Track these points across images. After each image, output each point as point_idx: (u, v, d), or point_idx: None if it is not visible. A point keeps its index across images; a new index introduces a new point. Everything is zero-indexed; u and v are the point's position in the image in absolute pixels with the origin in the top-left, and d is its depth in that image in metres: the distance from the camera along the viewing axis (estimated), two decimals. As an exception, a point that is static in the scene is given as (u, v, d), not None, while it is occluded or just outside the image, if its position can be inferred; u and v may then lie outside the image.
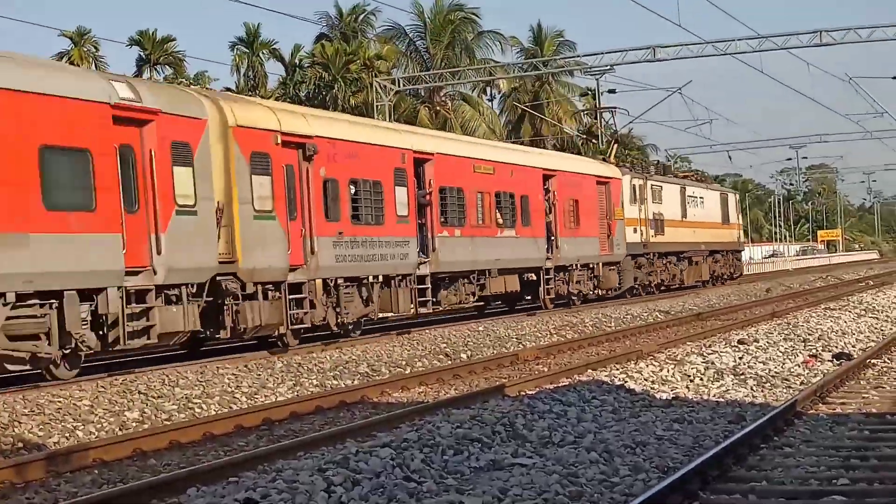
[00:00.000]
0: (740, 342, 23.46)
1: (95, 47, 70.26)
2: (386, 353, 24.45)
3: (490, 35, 77.54)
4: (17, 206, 17.98)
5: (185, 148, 21.72)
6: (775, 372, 19.75)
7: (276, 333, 24.79)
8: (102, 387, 18.36)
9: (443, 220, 31.50)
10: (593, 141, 73.70)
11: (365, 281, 27.65)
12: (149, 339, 20.69)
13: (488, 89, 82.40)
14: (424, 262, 30.31)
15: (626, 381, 18.12)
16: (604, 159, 47.72)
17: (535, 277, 37.46)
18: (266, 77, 73.65)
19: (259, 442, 15.26)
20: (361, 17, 74.27)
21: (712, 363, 20.18)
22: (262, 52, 73.66)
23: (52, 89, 18.93)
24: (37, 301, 18.18)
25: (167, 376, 19.62)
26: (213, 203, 22.33)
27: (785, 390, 17.76)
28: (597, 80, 56.18)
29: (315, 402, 18.07)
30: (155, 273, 20.63)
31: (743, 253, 71.02)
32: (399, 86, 61.06)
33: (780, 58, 74.31)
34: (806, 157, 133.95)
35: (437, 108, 72.54)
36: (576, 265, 39.97)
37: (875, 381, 18.57)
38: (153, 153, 20.81)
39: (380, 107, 55.33)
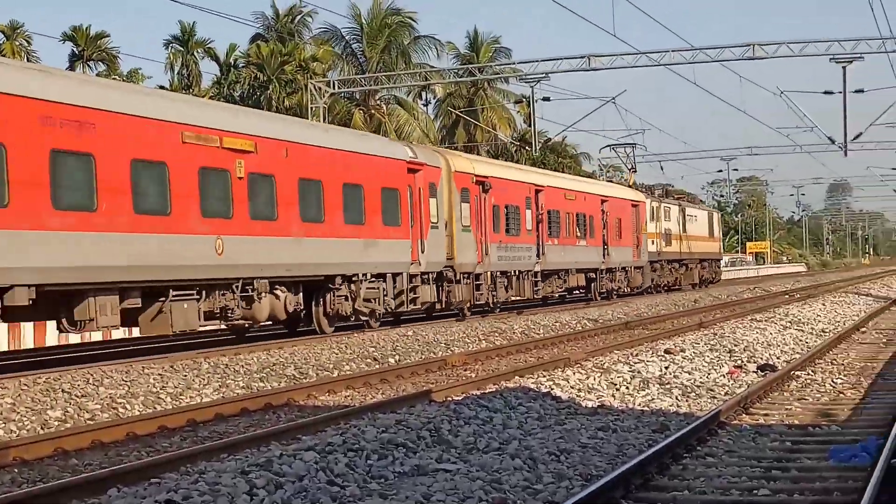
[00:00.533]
0: (667, 352, 23.64)
1: (28, 41, 69.56)
2: (314, 356, 24.37)
3: (426, 40, 77.57)
4: (377, 225, 31.05)
5: (434, 186, 34.54)
6: (700, 382, 19.90)
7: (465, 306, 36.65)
8: (25, 385, 18.17)
9: (549, 232, 43.99)
10: (527, 148, 74.02)
11: (509, 274, 40.26)
12: (415, 305, 33.77)
13: (423, 94, 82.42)
14: (538, 262, 42.81)
15: (552, 389, 18.19)
16: (630, 186, 61.46)
17: (593, 276, 50.10)
18: (200, 76, 73.32)
19: (182, 443, 15.14)
20: (298, 18, 74.07)
21: (638, 372, 20.32)
22: (197, 51, 73.29)
23: (387, 153, 32.59)
24: (374, 279, 30.76)
25: (91, 375, 19.45)
26: (443, 221, 35.00)
27: (709, 400, 17.90)
28: (532, 87, 56.19)
29: (241, 403, 17.97)
30: (420, 265, 33.20)
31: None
32: (334, 88, 60.92)
33: (713, 70, 75.01)
34: (737, 169, 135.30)
35: (372, 111, 72.45)
36: (618, 268, 53.00)
37: (798, 392, 18.76)
38: (421, 190, 33.56)
39: (314, 108, 55.15)
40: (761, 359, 23.75)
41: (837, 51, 50.42)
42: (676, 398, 18.09)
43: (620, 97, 63.71)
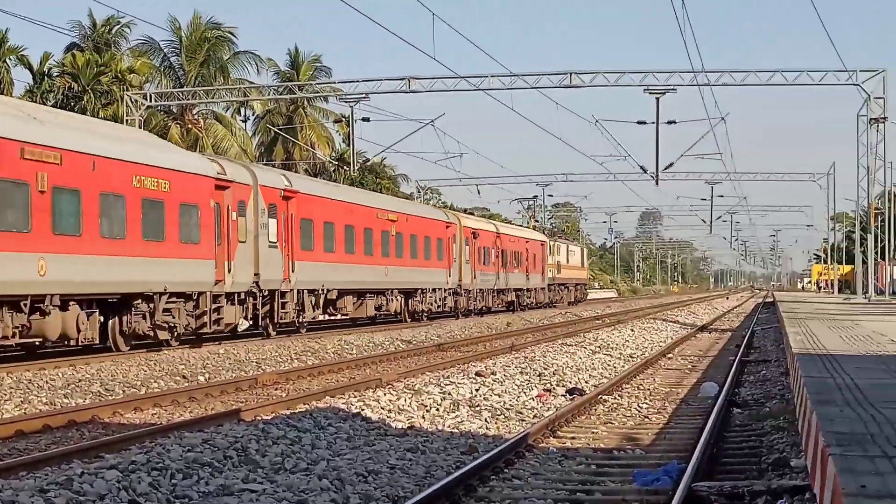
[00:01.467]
0: (478, 374, 23.76)
1: None
2: (121, 373, 23.89)
3: (246, 55, 76.91)
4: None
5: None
6: (510, 405, 20.06)
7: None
8: None
9: (482, 263, 61.58)
10: (345, 168, 73.89)
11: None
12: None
13: (242, 110, 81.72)
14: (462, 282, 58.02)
15: (363, 409, 18.12)
16: (542, 230, 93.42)
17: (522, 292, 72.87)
18: (12, 84, 71.33)
19: (-21, 460, 14.64)
20: (115, 29, 72.64)
21: (449, 394, 20.37)
22: (9, 58, 71.31)
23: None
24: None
25: None
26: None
27: (518, 423, 18.04)
28: (351, 107, 56.16)
29: (43, 420, 17.44)
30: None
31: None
32: (151, 101, 60.01)
33: (531, 96, 76.25)
34: (552, 195, 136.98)
35: (189, 125, 71.54)
36: (535, 289, 76.38)
37: (605, 416, 19.04)
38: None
39: (129, 121, 54.22)
40: (570, 383, 24.05)
41: (652, 82, 51.60)
42: (486, 420, 18.19)
43: (439, 120, 64.16)
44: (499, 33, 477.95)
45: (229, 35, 75.66)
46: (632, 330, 44.73)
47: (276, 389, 23.13)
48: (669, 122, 57.88)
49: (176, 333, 30.57)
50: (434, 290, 52.98)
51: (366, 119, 59.38)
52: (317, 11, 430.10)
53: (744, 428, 17.31)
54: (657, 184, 62.05)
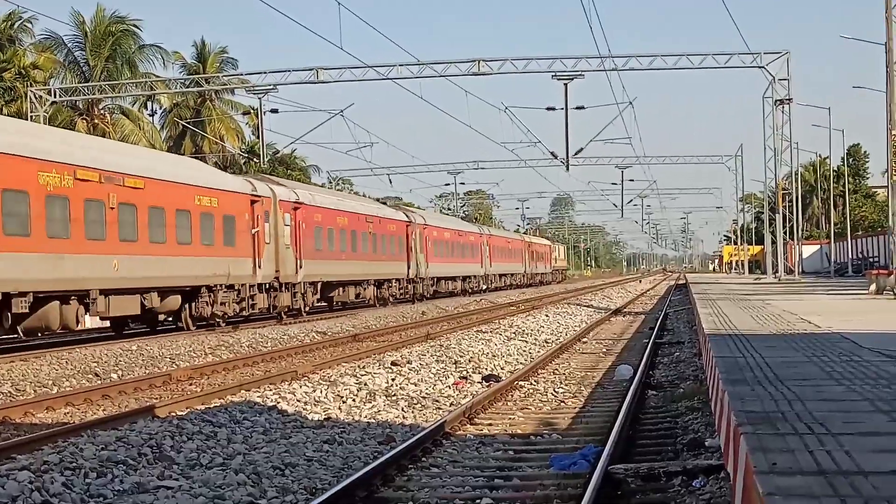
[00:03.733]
0: (394, 364, 23.75)
1: None
2: (32, 373, 23.57)
3: (152, 49, 76.06)
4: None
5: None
6: (426, 393, 20.08)
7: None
8: None
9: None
10: (255, 160, 73.52)
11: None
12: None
13: (149, 104, 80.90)
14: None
15: (278, 402, 18.05)
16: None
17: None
18: None
19: None
20: (17, 24, 71.50)
21: (365, 384, 20.35)
22: None
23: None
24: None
25: None
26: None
27: (435, 411, 18.06)
28: (260, 98, 55.89)
29: (-48, 423, 17.18)
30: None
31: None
32: (56, 97, 59.26)
33: (440, 84, 76.47)
34: (464, 183, 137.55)
35: (96, 121, 70.71)
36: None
37: (521, 402, 19.12)
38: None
39: (34, 117, 53.50)
40: (486, 370, 24.13)
41: (559, 68, 51.84)
42: (403, 410, 18.19)
43: (349, 110, 64.31)
44: (406, 22, 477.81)
45: (134, 28, 74.79)
46: (546, 315, 44.94)
47: (190, 385, 22.95)
48: (578, 108, 58.21)
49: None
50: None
51: (274, 111, 59.16)
52: (223, 3, 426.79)
53: (658, 409, 17.47)
54: (568, 169, 62.41)
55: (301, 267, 44.96)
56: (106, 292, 30.89)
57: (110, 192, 31.15)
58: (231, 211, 38.73)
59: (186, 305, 36.38)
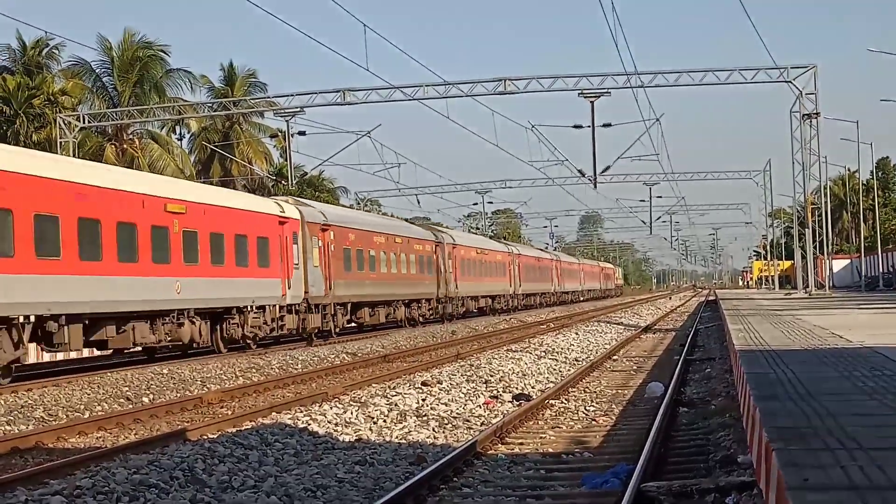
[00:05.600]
0: (424, 384, 23.74)
1: None
2: (64, 398, 23.64)
3: (179, 73, 76.50)
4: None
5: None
6: (457, 413, 20.05)
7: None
8: None
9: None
10: (283, 182, 73.71)
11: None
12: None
13: (177, 128, 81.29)
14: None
15: (309, 424, 18.06)
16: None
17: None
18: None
19: (-78, 492, 14.43)
20: (45, 50, 71.94)
21: (396, 405, 20.34)
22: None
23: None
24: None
25: None
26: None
27: (466, 431, 18.03)
28: (287, 121, 56.08)
29: (-15, 448, 17.23)
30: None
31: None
32: (84, 122, 59.59)
33: (467, 104, 76.72)
34: (491, 202, 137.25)
35: (125, 146, 71.07)
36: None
37: (552, 421, 19.08)
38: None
39: (63, 143, 53.80)
40: (517, 389, 24.10)
41: (585, 86, 51.92)
42: (433, 430, 18.17)
43: (376, 131, 64.45)
44: (432, 42, 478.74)
45: (162, 53, 75.28)
46: (576, 333, 44.88)
47: (221, 408, 22.99)
48: (605, 125, 58.25)
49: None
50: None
51: (302, 133, 59.47)
52: (249, 27, 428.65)
53: (690, 426, 17.41)
54: (595, 187, 62.49)
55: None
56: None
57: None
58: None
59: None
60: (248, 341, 38.11)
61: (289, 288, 40.78)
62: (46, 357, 37.94)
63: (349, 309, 48.36)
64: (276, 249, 40.14)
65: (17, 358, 26.94)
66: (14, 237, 26.15)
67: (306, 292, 42.44)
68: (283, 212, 41.76)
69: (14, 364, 26.94)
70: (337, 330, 46.41)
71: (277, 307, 40.18)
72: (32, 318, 26.97)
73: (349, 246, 48.27)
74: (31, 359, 30.13)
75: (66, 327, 27.96)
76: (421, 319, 60.15)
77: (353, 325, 51.18)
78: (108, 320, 30.38)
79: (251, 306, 37.93)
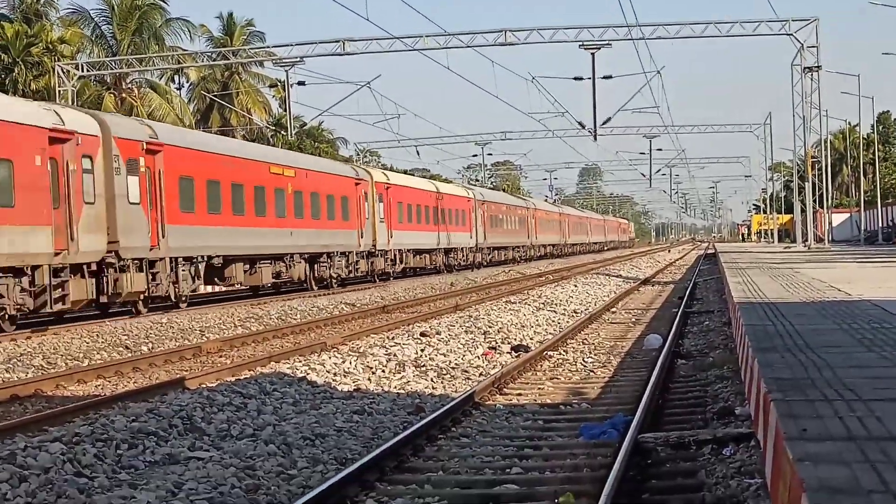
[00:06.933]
0: (423, 334, 23.78)
1: None
2: (63, 346, 23.69)
3: (179, 22, 76.13)
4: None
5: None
6: (455, 364, 20.09)
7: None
8: None
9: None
10: (282, 133, 73.57)
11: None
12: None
13: (177, 77, 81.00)
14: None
15: (308, 374, 18.09)
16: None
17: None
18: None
19: (-79, 438, 14.45)
20: (44, -1, 71.55)
21: (394, 355, 20.37)
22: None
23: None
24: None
25: None
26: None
27: (464, 382, 18.08)
28: (286, 71, 55.90)
29: (-16, 396, 17.28)
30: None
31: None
32: (83, 71, 59.36)
33: (467, 55, 76.45)
34: (491, 154, 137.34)
35: (124, 95, 70.84)
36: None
37: (550, 372, 19.13)
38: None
39: (62, 92, 53.63)
40: (515, 340, 24.14)
41: (586, 37, 51.71)
42: (432, 380, 18.21)
43: (376, 81, 64.54)
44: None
45: (161, 2, 74.87)
46: (575, 285, 44.91)
47: (220, 357, 23.04)
48: (606, 77, 58.19)
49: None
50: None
51: (301, 83, 59.28)
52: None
53: (688, 378, 17.44)
54: (595, 139, 62.43)
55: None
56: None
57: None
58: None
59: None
60: (333, 280, 46.76)
61: (362, 237, 50.90)
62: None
63: (403, 255, 58.18)
64: (353, 206, 49.91)
65: (196, 287, 35.42)
66: (195, 199, 34.99)
67: (374, 241, 52.38)
68: (357, 175, 52.20)
69: (193, 292, 35.50)
70: (397, 271, 56.93)
71: (354, 253, 49.99)
72: (205, 258, 35.46)
73: (402, 202, 58.15)
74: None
75: (232, 265, 37.83)
76: (457, 266, 69.11)
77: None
78: (247, 261, 39.42)
79: (336, 252, 47.30)
